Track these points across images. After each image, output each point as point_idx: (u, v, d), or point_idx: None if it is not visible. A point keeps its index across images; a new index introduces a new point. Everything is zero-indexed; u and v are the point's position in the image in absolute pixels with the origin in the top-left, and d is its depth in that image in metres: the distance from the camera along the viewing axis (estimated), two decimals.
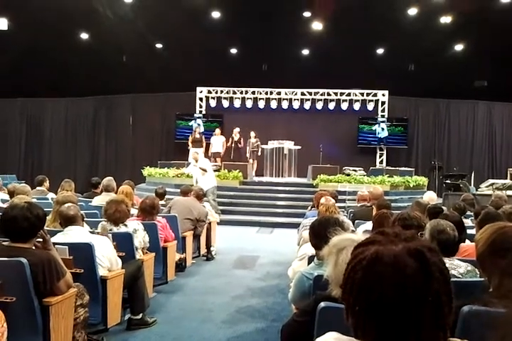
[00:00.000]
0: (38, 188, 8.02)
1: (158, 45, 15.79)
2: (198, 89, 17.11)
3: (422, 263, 1.02)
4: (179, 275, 6.43)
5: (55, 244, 3.60)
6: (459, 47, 15.15)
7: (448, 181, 12.78)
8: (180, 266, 6.61)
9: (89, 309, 3.71)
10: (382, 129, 16.46)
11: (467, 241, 4.02)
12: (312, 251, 3.44)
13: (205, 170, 11.31)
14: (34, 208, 3.40)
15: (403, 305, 0.99)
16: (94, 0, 12.90)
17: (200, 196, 7.88)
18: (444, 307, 1.03)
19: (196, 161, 11.52)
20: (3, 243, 3.39)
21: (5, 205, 6.01)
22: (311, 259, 3.46)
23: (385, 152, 16.83)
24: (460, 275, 2.99)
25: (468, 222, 5.18)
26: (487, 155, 17.02)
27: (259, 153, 14.95)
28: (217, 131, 15.40)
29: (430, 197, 6.98)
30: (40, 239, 3.38)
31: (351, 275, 1.07)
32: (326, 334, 1.22)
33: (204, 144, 15.17)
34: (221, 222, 9.16)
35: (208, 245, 7.78)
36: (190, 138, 15.36)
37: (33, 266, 3.16)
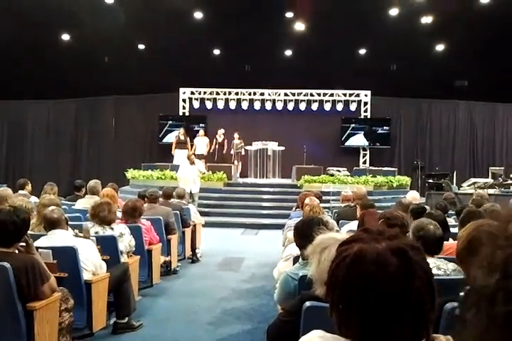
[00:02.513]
0: (20, 192, 7.92)
1: (141, 46, 15.71)
2: (181, 90, 17.06)
3: (405, 262, 1.03)
4: (164, 278, 6.39)
5: (38, 247, 3.57)
6: (440, 47, 15.32)
7: (430, 181, 12.89)
8: (166, 269, 6.58)
9: (74, 313, 3.69)
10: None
11: (450, 239, 4.07)
12: (297, 251, 3.45)
13: (203, 173, 11.34)
14: (20, 212, 3.38)
15: (385, 302, 1.01)
16: (75, 0, 12.80)
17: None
18: (426, 305, 1.04)
19: (192, 162, 11.46)
20: None
21: None
22: (296, 260, 3.48)
23: (368, 152, 16.94)
24: (444, 274, 3.02)
25: (451, 221, 5.23)
26: (468, 155, 17.22)
27: (243, 154, 14.95)
28: (201, 132, 15.38)
29: (413, 197, 7.05)
30: (23, 243, 3.35)
31: (335, 272, 1.09)
32: (311, 333, 1.24)
33: (189, 146, 15.15)
34: (206, 224, 9.14)
35: (193, 247, 7.75)
36: (174, 140, 15.30)
37: (16, 270, 3.13)
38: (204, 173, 11.32)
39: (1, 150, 18.34)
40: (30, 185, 8.17)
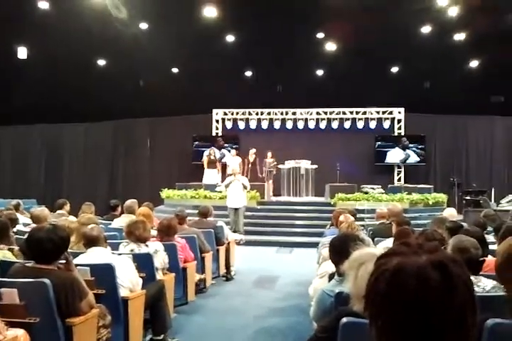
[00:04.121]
0: (58, 212, 8.10)
1: (174, 69, 16.03)
2: (214, 111, 17.29)
3: (446, 276, 1.01)
4: (199, 295, 6.41)
5: (77, 265, 3.64)
6: (474, 63, 15.14)
7: (468, 197, 12.63)
8: (200, 287, 6.60)
9: (111, 329, 3.73)
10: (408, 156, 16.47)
11: (489, 256, 3.97)
12: (332, 268, 3.43)
13: (245, 187, 11.37)
14: (59, 230, 3.46)
15: (426, 317, 0.98)
16: (111, 26, 13.20)
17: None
18: (468, 320, 1.01)
19: (235, 176, 11.52)
20: (27, 264, 3.44)
21: (27, 229, 6.11)
22: (331, 277, 3.45)
23: (402, 169, 16.73)
24: (483, 291, 2.95)
25: (489, 238, 5.11)
26: (506, 171, 16.83)
27: (275, 173, 14.94)
28: (233, 151, 15.50)
29: (450, 214, 6.92)
30: (63, 261, 3.42)
31: (374, 286, 1.06)
32: None
33: (219, 165, 15.31)
34: (239, 242, 9.14)
35: (227, 265, 7.76)
36: (206, 160, 15.51)
37: (56, 286, 3.19)
38: (246, 188, 11.35)
39: (40, 171, 18.87)
40: (68, 205, 8.37)
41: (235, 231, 10.12)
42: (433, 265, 1.02)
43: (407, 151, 16.50)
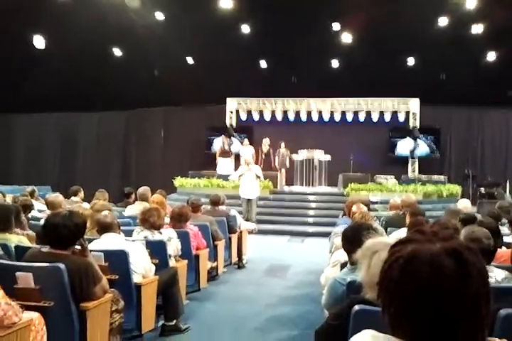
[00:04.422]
0: (72, 198, 8.19)
1: (189, 59, 16.02)
2: (228, 100, 17.26)
3: (460, 263, 1.01)
4: (211, 283, 6.45)
5: (91, 250, 3.68)
6: (491, 55, 14.91)
7: (482, 189, 12.53)
8: (212, 274, 6.64)
9: (124, 314, 3.77)
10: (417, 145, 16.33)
11: (503, 247, 3.95)
12: (345, 257, 3.43)
13: (259, 177, 11.39)
14: (75, 217, 3.50)
15: (440, 304, 0.99)
16: (126, 16, 13.20)
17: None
18: (482, 308, 1.01)
19: (248, 165, 11.50)
20: (43, 249, 3.49)
21: (41, 215, 6.19)
22: (343, 265, 3.46)
23: (416, 160, 16.62)
24: (495, 282, 2.94)
25: (504, 229, 5.08)
26: None
27: (288, 164, 14.89)
28: (246, 141, 15.46)
29: (464, 205, 6.89)
30: (79, 246, 3.46)
31: (388, 273, 1.06)
32: (363, 332, 1.21)
33: (232, 155, 15.31)
34: (252, 231, 9.16)
35: (240, 253, 7.80)
36: (219, 150, 15.53)
37: (70, 271, 3.23)
38: (260, 177, 11.37)
39: (55, 159, 19.05)
40: (82, 192, 8.45)
41: (247, 220, 10.14)
42: (447, 252, 1.02)
43: (418, 141, 16.35)
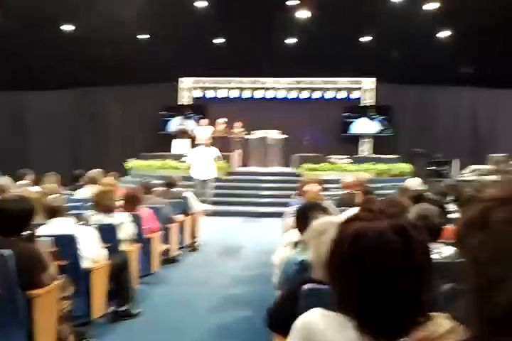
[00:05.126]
0: (20, 182, 7.93)
1: (142, 36, 15.60)
2: (182, 79, 16.98)
3: (406, 239, 1.04)
4: (164, 266, 6.41)
5: (38, 236, 3.58)
6: (445, 33, 15.11)
7: (432, 168, 12.86)
8: (165, 257, 6.59)
9: (73, 301, 3.70)
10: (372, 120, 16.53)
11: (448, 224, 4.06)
12: (297, 237, 3.45)
13: (219, 158, 11.32)
14: (22, 202, 3.38)
15: (385, 278, 1.02)
16: None
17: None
18: (424, 283, 1.05)
19: (205, 146, 11.41)
20: None
21: None
22: (295, 245, 3.48)
23: (370, 140, 16.87)
24: (441, 258, 3.02)
25: (450, 207, 5.22)
26: (471, 142, 17.11)
27: (242, 143, 14.83)
28: (204, 121, 15.26)
29: (413, 183, 7.05)
30: (26, 232, 3.35)
31: (336, 250, 1.09)
32: (312, 310, 1.23)
33: (189, 135, 15.13)
34: (205, 213, 9.14)
35: (193, 236, 7.77)
36: (178, 130, 15.33)
37: (17, 258, 3.13)
38: (222, 159, 11.39)
39: (3, 140, 18.33)
40: (32, 175, 8.18)
41: (202, 202, 10.10)
42: (393, 229, 1.05)
43: (373, 122, 16.62)
